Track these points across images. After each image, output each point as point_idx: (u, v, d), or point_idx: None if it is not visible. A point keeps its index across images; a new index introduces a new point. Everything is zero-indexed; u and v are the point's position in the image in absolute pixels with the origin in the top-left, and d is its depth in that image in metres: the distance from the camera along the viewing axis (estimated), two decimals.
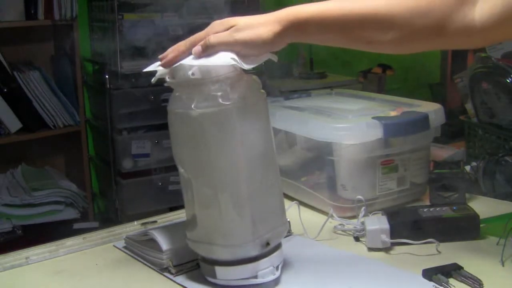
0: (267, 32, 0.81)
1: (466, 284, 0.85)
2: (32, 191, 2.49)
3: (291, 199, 1.17)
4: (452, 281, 0.86)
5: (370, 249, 0.99)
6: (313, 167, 1.20)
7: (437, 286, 0.85)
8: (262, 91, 0.88)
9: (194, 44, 0.83)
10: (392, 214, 1.02)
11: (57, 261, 1.00)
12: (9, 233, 2.39)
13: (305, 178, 1.21)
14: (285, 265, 0.92)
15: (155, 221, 1.13)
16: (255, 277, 0.85)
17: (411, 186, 1.19)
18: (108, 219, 2.62)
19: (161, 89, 2.40)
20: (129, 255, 1.00)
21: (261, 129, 0.86)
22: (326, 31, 0.83)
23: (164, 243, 0.92)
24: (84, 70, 2.72)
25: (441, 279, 0.85)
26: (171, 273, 0.91)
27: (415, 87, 3.50)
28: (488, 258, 0.94)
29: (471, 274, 0.87)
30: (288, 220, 0.96)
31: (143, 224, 1.11)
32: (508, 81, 1.46)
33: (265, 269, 0.85)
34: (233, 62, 0.81)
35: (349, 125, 1.11)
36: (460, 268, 0.88)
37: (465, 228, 1.01)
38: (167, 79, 0.85)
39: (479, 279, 0.85)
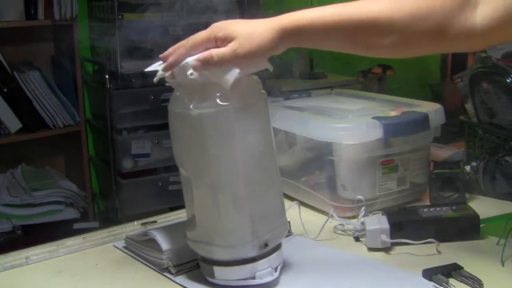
0: (268, 41, 0.81)
1: (466, 284, 0.85)
2: (32, 191, 2.49)
3: (291, 199, 1.17)
4: (452, 281, 0.86)
5: (370, 249, 0.99)
6: (313, 167, 1.20)
7: (437, 286, 0.85)
8: (263, 91, 0.88)
9: (194, 47, 0.83)
10: (392, 214, 1.02)
11: (57, 261, 1.00)
12: (9, 233, 2.39)
13: (305, 178, 1.21)
14: (285, 265, 0.92)
15: (155, 221, 1.13)
16: (253, 278, 0.85)
17: (411, 186, 1.19)
18: (108, 219, 2.62)
19: (161, 89, 2.40)
20: (129, 255, 1.00)
21: (261, 129, 0.86)
22: (325, 37, 0.83)
23: (164, 243, 0.92)
24: (84, 70, 2.72)
25: (441, 279, 0.86)
26: (171, 273, 0.91)
27: (415, 87, 3.50)
28: (488, 258, 0.94)
29: (471, 274, 0.87)
30: (288, 220, 0.96)
31: (143, 224, 1.11)
32: (508, 81, 1.46)
33: (264, 270, 0.85)
34: (234, 76, 0.81)
35: (349, 125, 1.11)
36: (460, 268, 0.88)
37: (465, 228, 1.01)
38: (167, 79, 0.85)
39: (479, 279, 0.85)
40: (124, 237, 1.03)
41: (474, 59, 1.59)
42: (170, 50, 0.85)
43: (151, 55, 2.38)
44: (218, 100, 0.81)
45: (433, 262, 0.91)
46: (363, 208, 1.08)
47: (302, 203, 1.14)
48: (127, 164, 2.55)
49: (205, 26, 0.85)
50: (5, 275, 0.95)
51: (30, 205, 2.47)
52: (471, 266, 0.89)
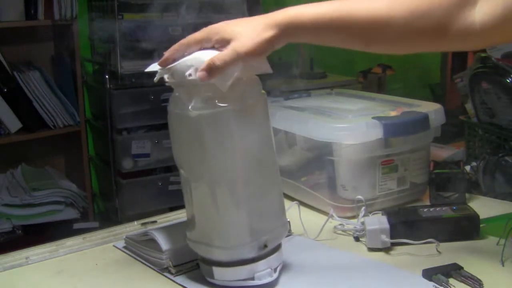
0: (267, 38, 0.80)
1: (466, 284, 0.85)
2: (32, 191, 2.49)
3: (291, 199, 1.17)
4: (452, 281, 0.86)
5: (370, 249, 0.99)
6: (313, 167, 1.20)
7: (437, 286, 0.85)
8: (263, 91, 0.87)
9: (190, 45, 0.83)
10: (392, 214, 1.02)
11: (57, 261, 0.99)
12: (9, 233, 2.39)
13: (305, 178, 1.21)
14: (285, 265, 0.92)
15: (155, 221, 1.13)
16: (252, 278, 0.85)
17: (411, 186, 1.19)
18: (108, 219, 2.62)
19: (161, 89, 2.40)
20: (129, 255, 1.00)
21: (260, 130, 0.86)
22: (324, 33, 0.83)
23: (164, 243, 0.92)
24: (84, 70, 2.72)
25: (441, 279, 0.86)
26: (171, 273, 0.91)
27: (415, 87, 3.50)
28: (488, 258, 0.94)
29: (471, 274, 0.87)
30: (288, 220, 0.96)
31: (143, 224, 1.11)
32: (508, 81, 1.46)
33: (263, 271, 0.85)
34: (232, 77, 0.80)
35: (349, 125, 1.11)
36: (460, 268, 0.88)
37: (465, 228, 1.01)
38: (166, 79, 0.85)
39: (479, 279, 0.85)
40: (124, 237, 1.03)
41: (474, 59, 1.59)
42: (170, 49, 0.85)
43: (151, 55, 2.37)
44: (217, 101, 0.81)
45: (433, 262, 0.91)
46: (363, 208, 1.08)
47: (302, 203, 1.14)
48: (127, 164, 2.55)
49: (205, 26, 0.85)
50: (5, 275, 0.95)
51: (30, 205, 2.47)
52: (471, 266, 0.89)
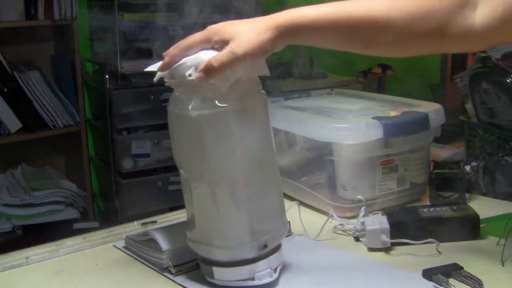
0: (265, 40, 0.80)
1: (466, 284, 0.85)
2: (32, 191, 2.49)
3: (291, 199, 1.17)
4: (452, 281, 0.86)
5: (370, 249, 0.99)
6: (313, 167, 1.20)
7: (437, 286, 0.85)
8: (263, 92, 0.87)
9: (190, 47, 0.83)
10: (392, 214, 1.02)
11: (57, 261, 0.99)
12: (9, 233, 2.39)
13: (305, 178, 1.21)
14: (285, 265, 0.92)
15: (155, 221, 1.13)
16: (252, 278, 0.85)
17: (411, 186, 1.19)
18: (108, 219, 2.62)
19: (161, 89, 2.40)
20: (129, 255, 1.00)
21: (260, 130, 0.86)
22: (324, 35, 0.83)
23: (164, 243, 0.92)
24: (84, 70, 2.72)
25: (441, 279, 0.85)
26: (171, 273, 0.91)
27: (415, 87, 3.49)
28: (488, 258, 0.94)
29: (471, 274, 0.87)
30: (288, 220, 0.96)
31: (143, 224, 1.11)
32: (508, 81, 1.46)
33: (263, 271, 0.85)
34: (231, 77, 0.80)
35: (349, 125, 1.11)
36: (460, 268, 0.88)
37: (465, 228, 1.01)
38: (166, 79, 0.85)
39: (479, 279, 0.85)
40: (124, 237, 1.03)
41: (474, 59, 1.59)
42: (170, 49, 0.85)
43: (151, 55, 2.38)
44: (217, 101, 0.81)
45: (433, 262, 0.91)
46: (363, 208, 1.08)
47: (302, 203, 1.14)
48: (127, 164, 2.55)
49: (205, 26, 0.85)
50: (5, 275, 0.94)
51: (30, 205, 2.47)
52: (471, 266, 0.89)
